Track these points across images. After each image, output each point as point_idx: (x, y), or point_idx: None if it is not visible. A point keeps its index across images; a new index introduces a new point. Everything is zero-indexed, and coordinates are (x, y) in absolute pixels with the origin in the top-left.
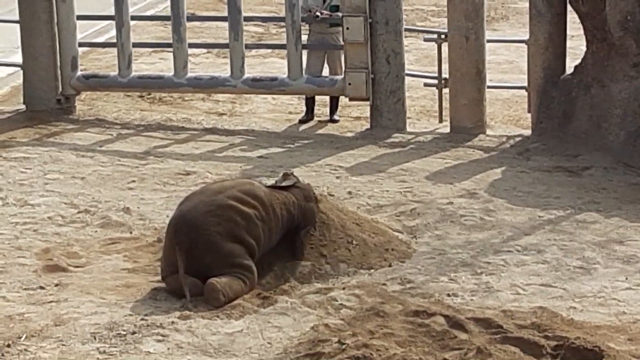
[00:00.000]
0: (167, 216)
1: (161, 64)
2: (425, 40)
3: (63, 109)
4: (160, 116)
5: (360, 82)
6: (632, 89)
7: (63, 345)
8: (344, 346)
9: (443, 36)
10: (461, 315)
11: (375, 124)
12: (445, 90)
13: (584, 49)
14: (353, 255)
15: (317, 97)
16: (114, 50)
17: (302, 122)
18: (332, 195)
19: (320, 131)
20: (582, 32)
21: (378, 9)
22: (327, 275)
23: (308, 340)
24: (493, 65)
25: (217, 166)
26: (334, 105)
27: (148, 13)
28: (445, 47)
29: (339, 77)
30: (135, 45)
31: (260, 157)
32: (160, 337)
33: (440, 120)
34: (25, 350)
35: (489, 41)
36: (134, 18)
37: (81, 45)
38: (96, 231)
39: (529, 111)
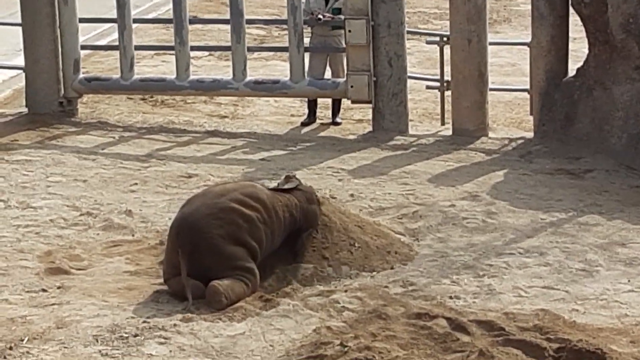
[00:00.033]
0: (169, 219)
1: (163, 67)
2: (428, 42)
3: (65, 112)
4: (162, 119)
5: (362, 84)
6: (634, 92)
7: (65, 347)
8: (346, 349)
9: (445, 39)
10: (463, 318)
11: (378, 126)
12: (448, 93)
13: (586, 51)
14: (355, 258)
15: (319, 100)
16: (116, 53)
17: (304, 124)
18: (334, 198)
19: (322, 134)
20: (584, 34)
21: (380, 12)
22: (329, 278)
23: (310, 342)
24: (495, 68)
25: (220, 169)
26: (336, 107)
27: (150, 16)
28: (447, 50)
29: (341, 80)
30: (138, 47)
31: (262, 159)
32: (162, 340)
33: (443, 123)
34: (28, 352)
35: (491, 44)
36: (136, 21)
37: (83, 48)
38: (98, 234)
39: (531, 114)
